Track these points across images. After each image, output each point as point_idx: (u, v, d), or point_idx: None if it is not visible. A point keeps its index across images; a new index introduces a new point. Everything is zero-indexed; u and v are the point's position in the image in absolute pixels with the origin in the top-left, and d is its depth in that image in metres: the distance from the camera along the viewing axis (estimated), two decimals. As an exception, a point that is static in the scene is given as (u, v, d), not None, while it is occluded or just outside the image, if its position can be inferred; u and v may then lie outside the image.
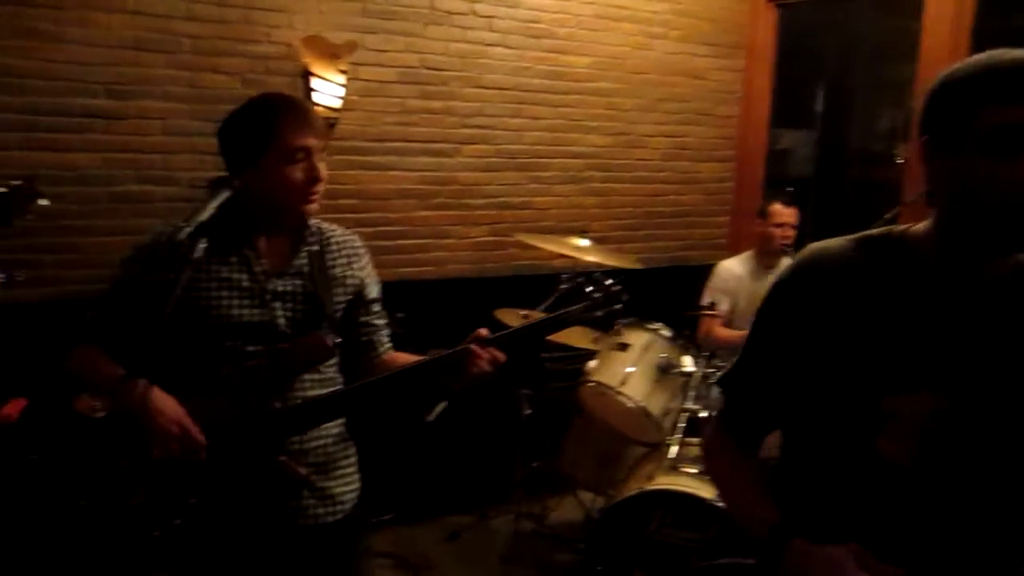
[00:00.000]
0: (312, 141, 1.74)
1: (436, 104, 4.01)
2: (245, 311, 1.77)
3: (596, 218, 4.46)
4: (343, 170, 3.83)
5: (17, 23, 3.16)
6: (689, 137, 4.78)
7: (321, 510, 1.86)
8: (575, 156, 4.43)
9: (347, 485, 1.93)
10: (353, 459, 1.98)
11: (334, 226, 1.94)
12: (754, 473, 1.46)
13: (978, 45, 3.06)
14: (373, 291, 1.95)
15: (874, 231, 1.37)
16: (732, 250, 4.62)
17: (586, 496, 3.85)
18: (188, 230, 1.53)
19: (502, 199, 4.26)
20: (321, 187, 1.80)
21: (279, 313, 1.79)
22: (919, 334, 1.28)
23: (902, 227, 1.36)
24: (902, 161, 4.44)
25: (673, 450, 3.03)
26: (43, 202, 2.22)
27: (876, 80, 5.69)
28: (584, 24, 4.33)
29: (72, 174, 3.33)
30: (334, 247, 1.89)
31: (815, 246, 1.40)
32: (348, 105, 3.76)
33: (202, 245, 1.56)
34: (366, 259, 1.95)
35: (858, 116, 5.87)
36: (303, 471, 1.77)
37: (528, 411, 3.66)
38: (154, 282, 1.73)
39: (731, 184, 5.01)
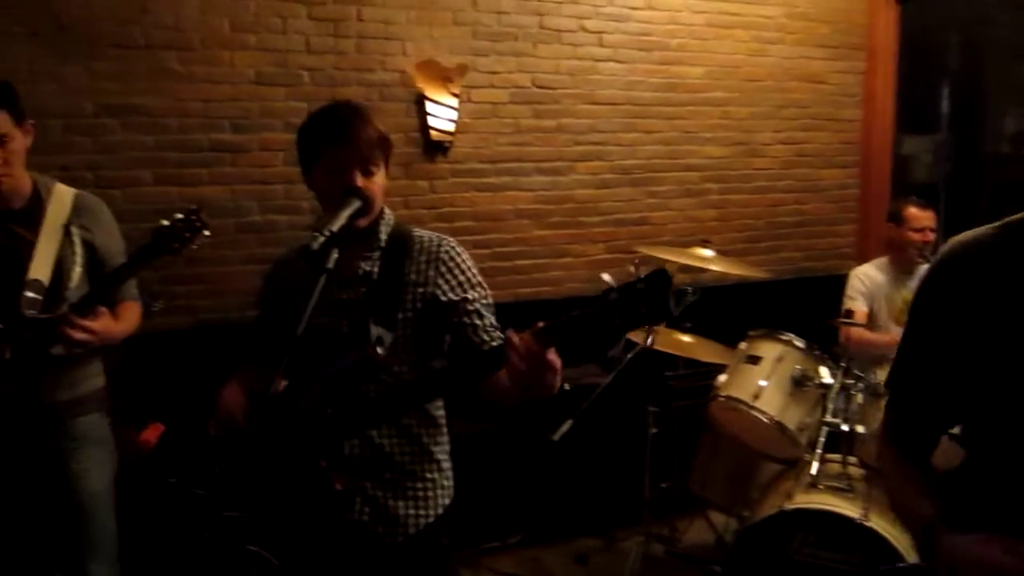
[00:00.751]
0: (344, 155, 1.73)
1: (549, 123, 3.99)
2: (317, 319, 1.75)
3: (715, 231, 4.34)
4: (458, 192, 3.85)
5: (150, 64, 3.32)
6: (809, 144, 4.61)
7: (381, 529, 1.79)
8: (691, 168, 4.33)
9: (416, 508, 1.82)
10: (432, 482, 1.85)
11: (424, 232, 1.89)
12: (917, 473, 1.42)
13: None
14: (454, 293, 1.81)
15: (1016, 216, 1.32)
16: (859, 259, 4.42)
17: (717, 518, 3.71)
18: (321, 239, 1.53)
19: (618, 216, 4.19)
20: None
21: (344, 321, 1.79)
22: None
23: None
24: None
25: (814, 466, 2.87)
26: (207, 233, 2.27)
27: (1007, 78, 5.37)
28: (695, 34, 4.25)
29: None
30: (414, 253, 1.84)
31: (958, 239, 1.35)
32: (462, 128, 3.78)
33: (335, 256, 1.55)
34: (450, 264, 1.83)
35: (988, 117, 5.54)
36: (363, 485, 1.74)
37: (655, 430, 3.55)
38: (288, 294, 1.77)
39: (855, 191, 4.79)
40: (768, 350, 3.17)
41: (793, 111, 4.53)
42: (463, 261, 1.86)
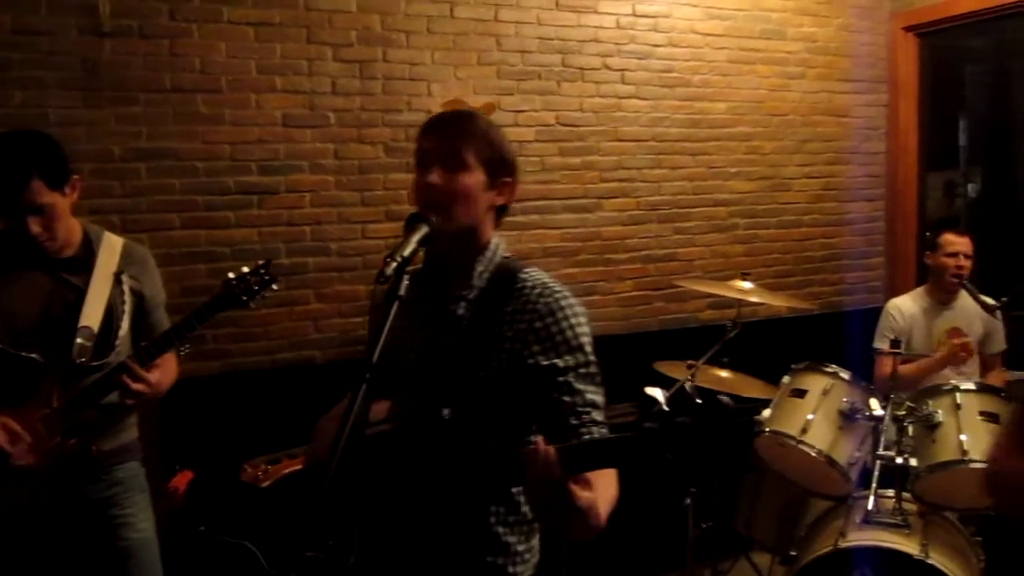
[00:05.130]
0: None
1: (575, 160, 3.97)
2: (403, 354, 1.71)
3: (744, 266, 4.25)
4: (487, 231, 3.80)
5: (181, 109, 3.30)
6: (836, 177, 4.59)
7: None
8: (718, 204, 4.31)
9: None
10: (494, 569, 1.63)
11: (534, 275, 1.65)
12: None
13: None
14: (544, 356, 1.59)
15: None
16: (889, 293, 4.37)
17: (760, 558, 3.59)
18: (393, 265, 1.44)
19: (646, 252, 4.15)
20: None
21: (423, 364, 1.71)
22: None
23: None
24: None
25: (870, 501, 2.77)
26: (275, 287, 2.26)
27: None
28: (718, 70, 4.25)
29: (228, 249, 3.40)
30: (514, 299, 1.66)
31: None
32: (489, 166, 3.75)
33: (405, 282, 1.47)
34: (547, 320, 1.58)
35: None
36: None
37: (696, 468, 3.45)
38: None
39: (883, 224, 4.76)
40: (813, 383, 3.09)
41: (818, 145, 4.52)
42: (565, 317, 1.54)
